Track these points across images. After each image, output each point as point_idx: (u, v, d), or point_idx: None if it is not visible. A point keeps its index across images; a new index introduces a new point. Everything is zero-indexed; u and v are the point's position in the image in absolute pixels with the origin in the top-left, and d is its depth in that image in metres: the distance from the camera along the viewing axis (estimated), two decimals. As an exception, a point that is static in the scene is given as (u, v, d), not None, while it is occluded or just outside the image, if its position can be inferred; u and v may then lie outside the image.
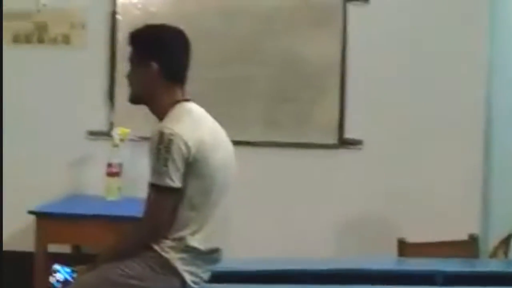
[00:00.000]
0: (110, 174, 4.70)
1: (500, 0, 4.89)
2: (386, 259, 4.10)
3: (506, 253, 4.36)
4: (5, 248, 4.55)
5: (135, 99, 3.00)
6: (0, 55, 4.78)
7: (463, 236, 4.21)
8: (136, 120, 4.33)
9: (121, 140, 4.71)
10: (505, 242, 4.36)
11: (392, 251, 4.15)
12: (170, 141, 2.76)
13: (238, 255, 3.57)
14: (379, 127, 4.91)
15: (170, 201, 2.81)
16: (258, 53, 4.93)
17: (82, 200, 4.79)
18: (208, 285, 2.97)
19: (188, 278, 2.87)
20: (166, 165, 2.76)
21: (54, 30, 4.99)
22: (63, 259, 3.27)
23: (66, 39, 4.99)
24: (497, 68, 4.87)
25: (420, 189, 4.85)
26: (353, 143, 4.91)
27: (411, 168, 4.89)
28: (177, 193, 2.80)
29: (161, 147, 2.76)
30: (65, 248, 4.71)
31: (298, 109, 4.93)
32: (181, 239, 2.84)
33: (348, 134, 4.92)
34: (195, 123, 2.88)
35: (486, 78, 4.88)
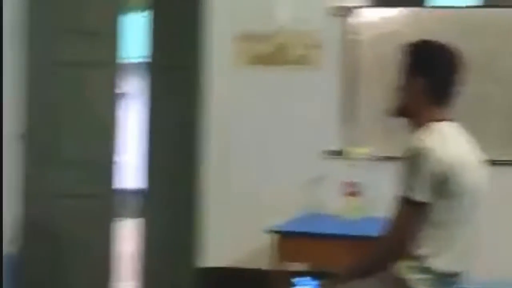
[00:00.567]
0: (350, 194, 4.72)
1: None
2: None
3: None
4: (243, 266, 4.71)
5: (398, 111, 2.99)
6: (0, 56, 4.42)
7: None
8: (375, 140, 4.31)
9: (358, 159, 4.71)
10: None
11: None
12: (424, 156, 2.74)
13: (485, 277, 3.48)
14: None
15: (417, 216, 2.77)
16: (494, 71, 4.86)
17: (320, 219, 4.81)
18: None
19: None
20: (416, 179, 2.73)
21: (292, 51, 5.09)
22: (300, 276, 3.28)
23: (302, 60, 5.08)
24: None
25: None
26: None
27: None
28: (425, 208, 2.76)
29: (414, 161, 2.75)
30: (298, 266, 4.70)
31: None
32: (420, 258, 2.78)
33: None
34: (446, 141, 2.83)
35: None
